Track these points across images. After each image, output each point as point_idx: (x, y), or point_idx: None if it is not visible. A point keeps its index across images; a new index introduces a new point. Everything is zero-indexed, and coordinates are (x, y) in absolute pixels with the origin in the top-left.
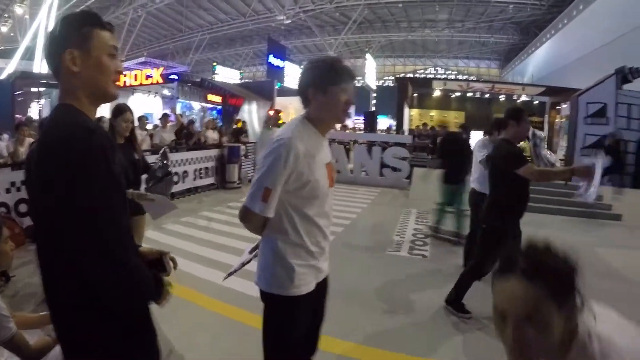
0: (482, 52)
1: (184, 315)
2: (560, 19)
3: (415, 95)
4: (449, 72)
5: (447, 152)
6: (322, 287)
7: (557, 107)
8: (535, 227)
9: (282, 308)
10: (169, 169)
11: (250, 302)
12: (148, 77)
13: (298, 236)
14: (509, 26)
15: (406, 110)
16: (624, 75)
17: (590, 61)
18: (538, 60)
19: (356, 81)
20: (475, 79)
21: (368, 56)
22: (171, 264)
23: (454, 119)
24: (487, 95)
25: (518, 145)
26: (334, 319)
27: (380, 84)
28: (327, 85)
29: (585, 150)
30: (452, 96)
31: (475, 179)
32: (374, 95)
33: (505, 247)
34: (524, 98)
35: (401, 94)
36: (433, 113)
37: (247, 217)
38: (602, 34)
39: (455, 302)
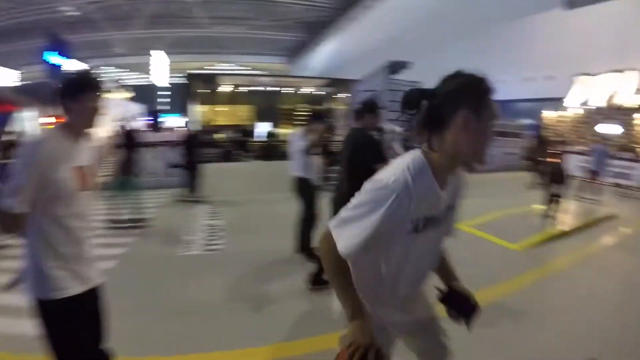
0: (272, 48)
1: None
2: (343, 20)
3: (205, 91)
4: (240, 67)
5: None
6: (92, 297)
7: (335, 97)
8: None
9: (49, 312)
10: None
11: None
12: None
13: (47, 238)
14: (297, 25)
15: (196, 107)
16: (392, 67)
17: (367, 56)
18: (322, 56)
19: (104, 90)
20: (264, 74)
21: (158, 52)
22: None
23: (242, 113)
24: (273, 89)
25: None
26: (130, 337)
27: (171, 82)
28: (75, 94)
29: None
30: (241, 91)
31: (298, 167)
32: (166, 93)
33: None
34: (307, 90)
35: (190, 90)
36: (223, 108)
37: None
38: (378, 35)
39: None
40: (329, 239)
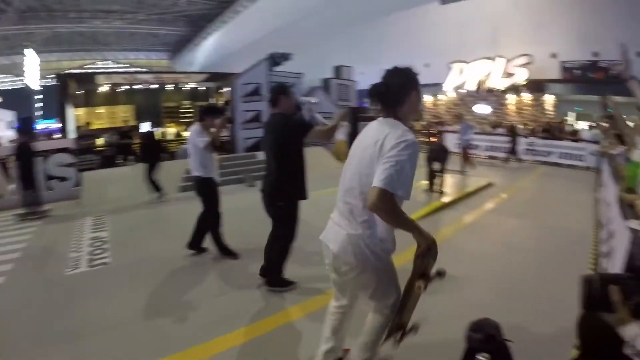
0: (153, 43)
1: None
2: (227, 14)
3: (81, 92)
4: (119, 65)
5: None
6: None
7: (220, 91)
8: None
9: None
10: None
11: None
12: None
13: None
14: (179, 19)
15: (71, 111)
16: (274, 60)
17: (250, 50)
18: (206, 50)
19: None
20: (145, 70)
21: (29, 51)
22: None
23: (123, 113)
24: (155, 86)
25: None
26: None
27: (45, 84)
28: None
29: (246, 124)
30: (120, 90)
31: (198, 166)
32: (39, 97)
33: None
34: (191, 85)
35: (64, 92)
36: (101, 110)
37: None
38: (261, 28)
39: (277, 281)
40: (385, 195)
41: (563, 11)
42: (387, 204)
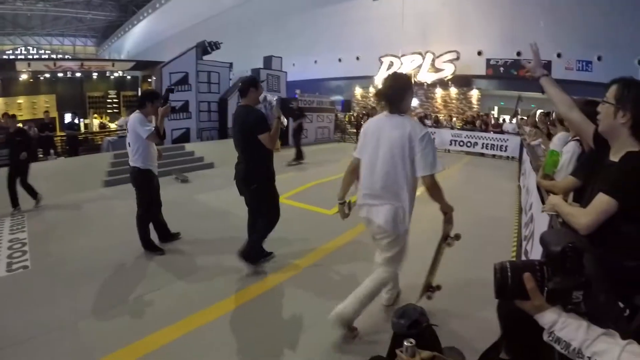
0: (79, 28)
1: None
2: (156, 1)
3: None
4: (42, 51)
5: None
6: None
7: (149, 80)
8: None
9: None
10: None
11: None
12: None
13: None
14: (107, 3)
15: None
16: (204, 48)
17: (181, 38)
18: (135, 38)
19: None
20: (68, 57)
21: None
22: None
23: (45, 103)
24: (78, 75)
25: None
26: None
27: None
28: None
29: (173, 114)
30: (42, 78)
31: (138, 157)
32: None
33: None
34: (117, 74)
35: None
36: (21, 100)
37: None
38: (192, 16)
39: (255, 255)
40: (433, 178)
41: (488, 12)
42: (435, 184)
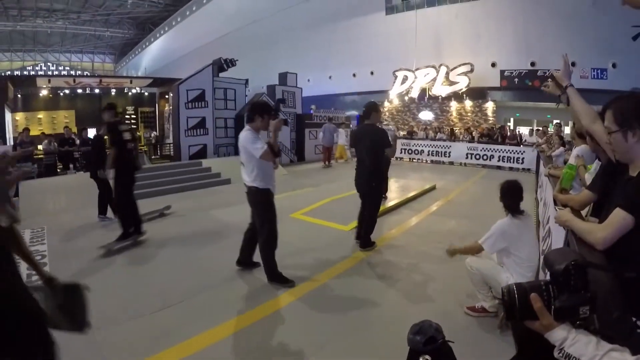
0: (98, 45)
1: None
2: (174, 17)
3: (20, 96)
4: (62, 67)
5: None
6: None
7: (166, 97)
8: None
9: None
10: None
11: None
12: None
13: None
14: (125, 21)
15: (8, 116)
16: (220, 65)
17: (197, 55)
18: (152, 55)
19: None
20: (88, 74)
21: None
22: None
23: (64, 118)
24: (97, 91)
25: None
26: None
27: None
28: None
29: (190, 130)
30: (61, 94)
31: (254, 177)
32: None
33: None
34: (135, 90)
35: (1, 96)
36: (41, 115)
37: None
38: (208, 33)
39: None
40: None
41: (501, 23)
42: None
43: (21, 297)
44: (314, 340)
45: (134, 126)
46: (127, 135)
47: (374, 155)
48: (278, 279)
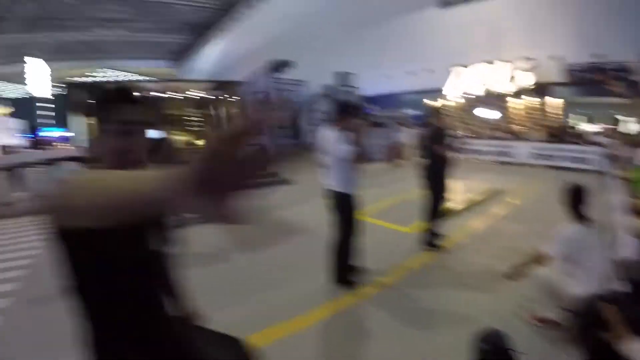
0: (156, 51)
1: None
2: (227, 21)
3: (88, 101)
4: (123, 73)
5: None
6: None
7: (228, 99)
8: None
9: None
10: None
11: None
12: None
13: None
14: (182, 26)
15: (81, 119)
16: (277, 67)
17: (256, 57)
18: (211, 58)
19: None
20: (149, 79)
21: (35, 60)
22: None
23: None
24: (159, 94)
25: None
26: None
27: (56, 92)
28: None
29: None
30: None
31: (339, 180)
32: (48, 105)
33: None
34: (194, 93)
35: (71, 101)
36: None
37: None
38: (265, 35)
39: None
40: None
41: (564, 13)
42: None
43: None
44: (377, 342)
45: (197, 128)
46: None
47: (430, 153)
48: (344, 281)
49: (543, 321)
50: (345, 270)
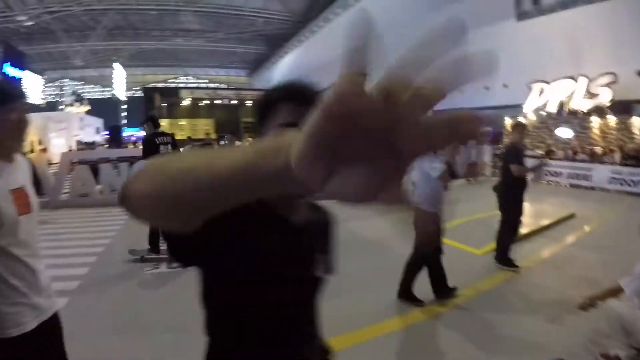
0: (232, 61)
1: None
2: (303, 33)
3: (165, 105)
4: (200, 80)
5: None
6: (51, 326)
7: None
8: None
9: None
10: None
11: None
12: None
13: None
14: (257, 38)
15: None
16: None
17: (329, 67)
18: (284, 69)
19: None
20: (224, 86)
21: (117, 65)
22: None
23: (204, 126)
24: (234, 102)
25: None
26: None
27: (130, 95)
28: None
29: None
30: (201, 104)
31: (426, 198)
32: (124, 107)
33: None
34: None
35: (149, 104)
36: (183, 122)
37: None
38: (337, 45)
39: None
40: None
41: None
42: None
43: None
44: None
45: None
46: (163, 149)
47: (505, 172)
48: (409, 297)
49: (610, 358)
50: (410, 285)
